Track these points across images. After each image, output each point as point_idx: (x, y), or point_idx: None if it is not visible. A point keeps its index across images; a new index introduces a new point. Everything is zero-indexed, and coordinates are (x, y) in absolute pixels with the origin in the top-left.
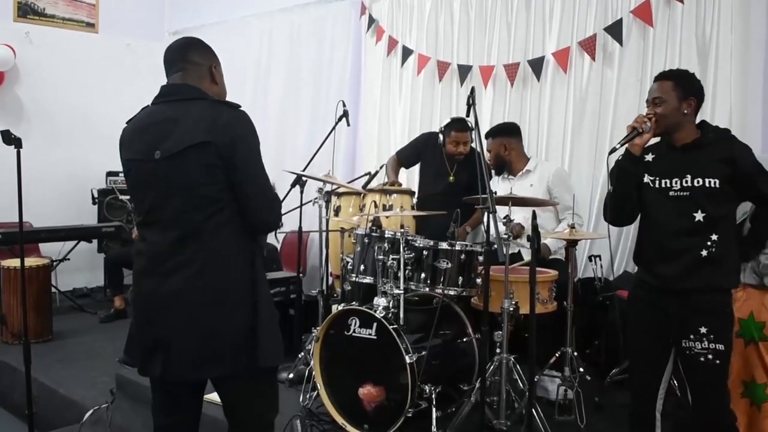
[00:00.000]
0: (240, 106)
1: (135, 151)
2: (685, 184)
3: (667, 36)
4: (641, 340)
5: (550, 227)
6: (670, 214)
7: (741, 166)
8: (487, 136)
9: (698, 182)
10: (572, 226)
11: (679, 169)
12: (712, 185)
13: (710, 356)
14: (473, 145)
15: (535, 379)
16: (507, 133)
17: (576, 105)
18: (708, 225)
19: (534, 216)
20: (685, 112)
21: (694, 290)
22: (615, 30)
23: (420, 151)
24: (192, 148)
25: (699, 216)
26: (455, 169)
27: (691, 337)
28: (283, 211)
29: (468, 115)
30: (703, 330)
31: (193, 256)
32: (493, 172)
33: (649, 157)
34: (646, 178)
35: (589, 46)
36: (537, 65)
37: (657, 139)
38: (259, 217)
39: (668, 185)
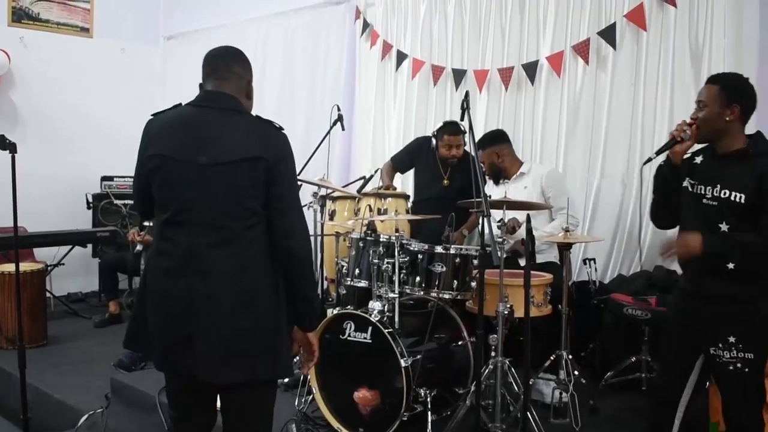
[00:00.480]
0: (283, 129)
1: (169, 149)
2: (715, 194)
3: (660, 40)
4: (669, 343)
5: (542, 226)
6: (700, 220)
7: (764, 185)
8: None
9: (725, 194)
10: (566, 230)
11: (713, 178)
12: (737, 200)
13: (739, 365)
14: (467, 148)
15: (531, 383)
16: (495, 141)
17: (570, 109)
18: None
19: (528, 219)
20: (728, 119)
21: (721, 298)
22: (608, 34)
23: (414, 155)
24: (245, 161)
25: (724, 227)
26: (449, 173)
27: (720, 345)
28: None
29: (462, 119)
30: (731, 339)
31: (227, 262)
32: (488, 179)
33: (698, 160)
34: (686, 182)
35: (582, 50)
36: (531, 69)
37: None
38: (283, 239)
39: (702, 192)
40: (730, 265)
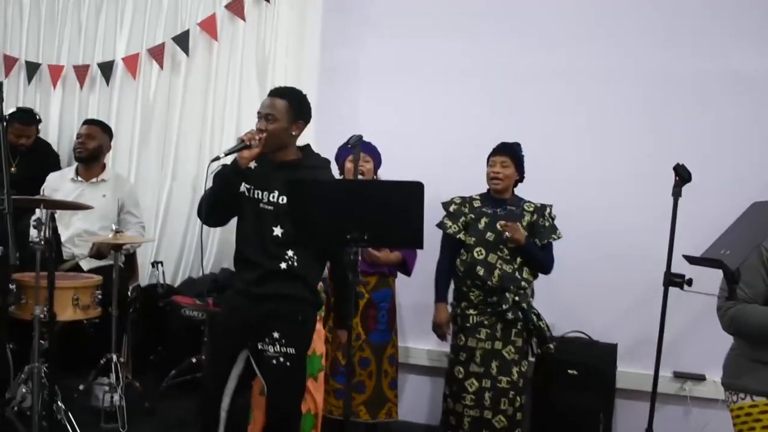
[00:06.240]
0: None
1: None
2: (271, 199)
3: (230, 51)
4: (215, 339)
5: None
6: (257, 224)
7: None
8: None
9: (282, 199)
10: (118, 231)
11: (270, 184)
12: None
13: (281, 359)
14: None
15: (80, 388)
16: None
17: (144, 112)
18: (286, 241)
19: (53, 218)
20: (293, 133)
21: (272, 297)
22: (182, 40)
23: None
24: None
25: (277, 231)
26: (18, 161)
27: (266, 340)
28: None
29: None
30: (276, 335)
31: None
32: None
33: (252, 164)
34: (243, 187)
35: (158, 54)
36: (107, 69)
37: None
38: None
39: (260, 197)
40: (282, 265)
